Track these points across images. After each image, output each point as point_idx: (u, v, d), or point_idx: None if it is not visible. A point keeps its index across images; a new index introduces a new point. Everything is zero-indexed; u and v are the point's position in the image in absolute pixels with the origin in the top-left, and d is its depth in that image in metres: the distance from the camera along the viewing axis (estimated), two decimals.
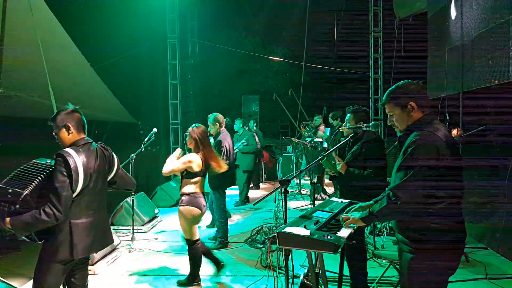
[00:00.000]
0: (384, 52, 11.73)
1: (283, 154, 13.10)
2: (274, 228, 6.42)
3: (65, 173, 2.74)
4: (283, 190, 3.10)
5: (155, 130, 6.29)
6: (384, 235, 5.84)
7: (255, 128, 10.74)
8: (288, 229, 2.70)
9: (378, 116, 11.53)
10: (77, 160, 2.80)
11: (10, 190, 2.70)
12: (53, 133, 3.03)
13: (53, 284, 2.88)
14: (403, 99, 2.58)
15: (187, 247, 4.65)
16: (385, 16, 11.58)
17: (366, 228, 4.72)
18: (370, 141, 4.05)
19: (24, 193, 2.69)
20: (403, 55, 10.75)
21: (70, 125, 2.99)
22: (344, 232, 2.74)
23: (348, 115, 4.30)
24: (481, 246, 5.75)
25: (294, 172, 9.11)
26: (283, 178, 3.03)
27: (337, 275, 3.62)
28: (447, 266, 2.46)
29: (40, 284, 2.85)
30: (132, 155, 6.10)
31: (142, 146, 6.16)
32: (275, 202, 8.55)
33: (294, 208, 8.38)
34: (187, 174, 4.53)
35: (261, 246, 5.96)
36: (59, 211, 2.68)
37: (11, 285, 4.31)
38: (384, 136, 10.07)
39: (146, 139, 6.17)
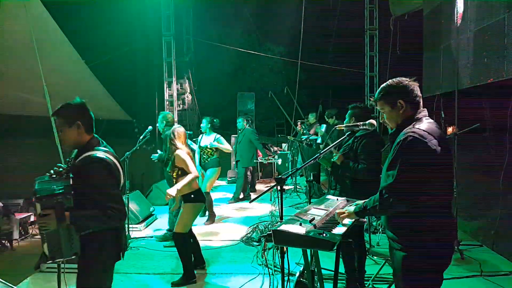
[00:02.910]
0: (379, 49, 11.74)
1: (279, 152, 13.10)
2: (269, 226, 6.42)
3: (108, 175, 2.60)
4: (279, 188, 3.09)
5: (150, 128, 6.27)
6: (379, 233, 5.86)
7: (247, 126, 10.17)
8: (284, 227, 2.70)
9: (374, 114, 11.52)
10: (113, 159, 2.67)
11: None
12: (59, 129, 2.73)
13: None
14: (392, 96, 2.57)
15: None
16: (381, 14, 11.58)
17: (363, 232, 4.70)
18: (364, 136, 4.05)
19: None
20: (398, 53, 10.76)
21: (81, 123, 2.71)
22: (339, 230, 2.74)
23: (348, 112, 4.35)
24: (476, 243, 5.77)
25: (290, 170, 9.13)
26: (279, 176, 3.02)
27: (333, 272, 3.62)
28: (440, 263, 2.45)
29: None
30: (127, 153, 6.08)
31: (137, 144, 6.14)
32: (271, 200, 8.56)
33: (290, 206, 8.38)
34: (182, 174, 4.72)
35: (257, 244, 5.96)
36: (120, 211, 2.55)
37: (7, 284, 4.28)
38: (380, 134, 10.05)
39: (141, 137, 6.15)
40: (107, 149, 2.76)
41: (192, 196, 4.73)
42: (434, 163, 2.35)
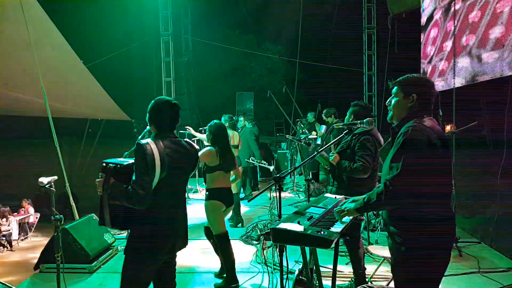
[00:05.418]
0: (377, 48, 11.76)
1: (278, 151, 13.12)
2: (269, 224, 6.43)
3: (142, 160, 2.72)
4: (277, 187, 3.10)
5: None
6: (378, 231, 5.87)
7: (247, 124, 9.76)
8: (282, 225, 2.71)
9: (373, 113, 11.54)
10: (154, 148, 2.78)
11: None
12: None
13: (141, 278, 2.82)
14: (410, 87, 2.65)
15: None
16: (379, 12, 11.60)
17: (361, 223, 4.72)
18: (362, 133, 4.06)
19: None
20: (396, 51, 10.77)
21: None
22: (337, 227, 2.75)
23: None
24: (474, 240, 5.79)
25: (289, 169, 9.14)
26: (277, 175, 3.04)
27: (331, 270, 3.63)
28: (440, 257, 2.46)
29: (126, 279, 2.81)
30: (126, 153, 6.07)
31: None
32: (270, 199, 8.58)
33: (289, 205, 8.39)
34: (206, 169, 4.62)
35: (256, 242, 5.97)
36: (138, 194, 2.65)
37: (6, 285, 4.29)
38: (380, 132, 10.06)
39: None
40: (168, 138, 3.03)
41: (207, 193, 4.66)
42: (435, 157, 2.42)
